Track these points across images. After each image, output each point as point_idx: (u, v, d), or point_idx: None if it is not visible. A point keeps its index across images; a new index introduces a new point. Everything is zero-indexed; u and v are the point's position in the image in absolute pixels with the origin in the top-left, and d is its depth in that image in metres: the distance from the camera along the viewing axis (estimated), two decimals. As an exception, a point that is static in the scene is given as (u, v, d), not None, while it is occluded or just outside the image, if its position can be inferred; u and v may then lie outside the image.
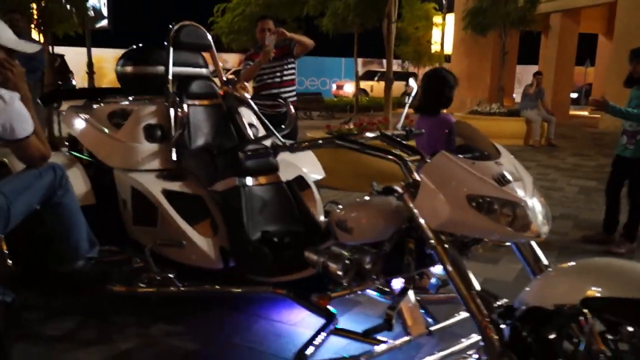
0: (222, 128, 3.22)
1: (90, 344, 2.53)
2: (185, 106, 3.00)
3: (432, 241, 1.85)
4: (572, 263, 1.70)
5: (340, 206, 2.30)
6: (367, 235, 2.15)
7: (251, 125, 3.35)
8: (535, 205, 1.80)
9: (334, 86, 23.60)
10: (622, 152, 4.06)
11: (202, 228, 2.74)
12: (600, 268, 1.60)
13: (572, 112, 17.64)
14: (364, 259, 2.06)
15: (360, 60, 20.49)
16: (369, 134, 2.28)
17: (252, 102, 2.35)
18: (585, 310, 1.54)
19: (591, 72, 22.85)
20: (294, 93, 4.81)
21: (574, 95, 21.26)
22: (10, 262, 2.95)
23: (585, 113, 16.60)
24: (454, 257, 1.84)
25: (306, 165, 3.32)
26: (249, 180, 2.78)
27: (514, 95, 20.05)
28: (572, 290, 1.57)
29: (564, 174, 7.34)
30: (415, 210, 1.89)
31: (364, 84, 21.08)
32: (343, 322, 2.40)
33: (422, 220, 1.88)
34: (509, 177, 1.82)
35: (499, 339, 1.69)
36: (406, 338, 2.18)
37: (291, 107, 3.26)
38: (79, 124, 3.22)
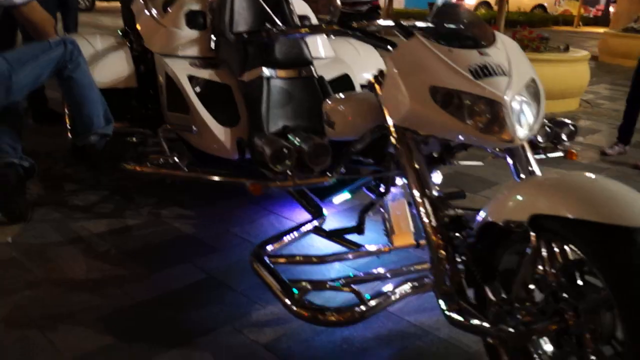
0: (267, 16, 3.10)
1: (102, 216, 2.68)
2: None
3: (393, 137, 1.67)
4: (538, 175, 1.45)
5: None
6: (345, 131, 2.00)
7: (304, 17, 3.20)
8: (516, 105, 1.54)
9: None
10: None
11: (223, 117, 2.72)
12: (562, 184, 1.35)
13: None
14: (304, 150, 1.89)
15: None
16: (381, 22, 2.04)
17: None
18: (531, 229, 1.33)
19: None
20: None
21: None
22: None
23: None
24: (416, 157, 1.65)
25: (364, 65, 3.14)
26: (275, 72, 2.69)
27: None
28: (523, 205, 1.36)
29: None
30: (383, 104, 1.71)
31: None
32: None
33: (387, 115, 1.69)
34: (492, 69, 1.56)
35: (446, 249, 1.52)
36: (386, 247, 2.06)
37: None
38: (139, 10, 3.27)
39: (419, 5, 19.67)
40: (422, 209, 1.59)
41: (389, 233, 2.06)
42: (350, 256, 2.09)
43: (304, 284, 1.75)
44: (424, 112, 1.56)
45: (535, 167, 1.71)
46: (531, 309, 1.38)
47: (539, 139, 2.10)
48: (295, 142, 1.95)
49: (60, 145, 3.37)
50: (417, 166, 1.63)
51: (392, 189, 2.08)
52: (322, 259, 2.06)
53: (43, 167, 3.08)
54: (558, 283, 1.33)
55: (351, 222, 2.24)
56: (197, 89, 2.75)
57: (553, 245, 1.33)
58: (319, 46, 3.07)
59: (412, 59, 1.62)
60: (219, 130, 2.66)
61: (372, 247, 2.09)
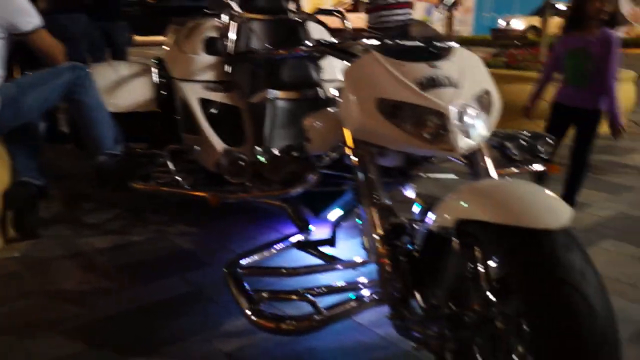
0: (283, 42, 3.20)
1: (109, 232, 2.79)
2: (244, 19, 3.02)
3: (348, 149, 1.69)
4: (474, 182, 1.42)
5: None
6: (319, 145, 2.02)
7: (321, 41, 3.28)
8: (462, 116, 1.53)
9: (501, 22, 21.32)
10: None
11: (230, 137, 2.81)
12: (487, 189, 1.33)
13: None
14: (261, 163, 1.91)
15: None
16: (366, 41, 2.06)
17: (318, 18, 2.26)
18: (456, 234, 1.32)
19: None
20: (408, 17, 4.50)
21: None
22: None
23: None
24: (369, 168, 1.65)
25: None
26: (279, 94, 2.76)
27: None
28: (452, 211, 1.33)
29: None
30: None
31: (535, 20, 19.07)
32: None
33: (344, 128, 1.71)
34: (440, 81, 1.56)
35: (387, 258, 1.51)
36: (361, 258, 2.05)
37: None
38: (169, 40, 3.44)
39: (485, 32, 19.68)
40: (368, 218, 1.59)
41: (364, 244, 2.05)
42: (323, 268, 2.08)
43: (263, 294, 1.77)
44: (372, 124, 1.57)
45: (493, 175, 1.69)
46: (466, 315, 1.35)
47: (513, 151, 2.05)
48: (257, 155, 1.99)
49: (83, 166, 3.55)
50: (369, 176, 1.64)
51: None
52: (294, 272, 2.07)
53: (64, 185, 3.26)
54: (483, 289, 1.29)
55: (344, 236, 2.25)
56: (209, 111, 2.86)
57: (476, 250, 1.30)
58: (336, 68, 3.11)
59: (363, 72, 1.65)
60: (223, 150, 2.74)
61: (352, 259, 2.08)
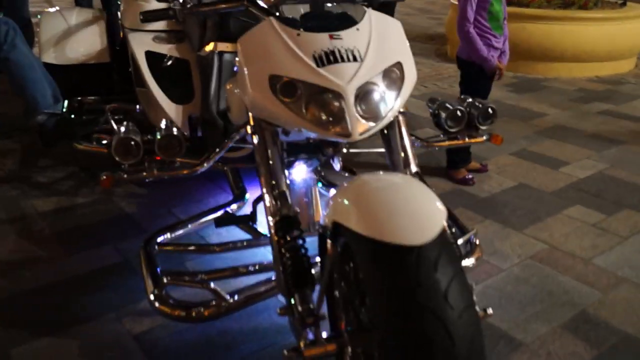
0: None
1: (56, 193, 2.72)
2: None
3: (249, 127, 1.56)
4: (357, 177, 1.29)
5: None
6: (235, 116, 1.90)
7: None
8: (362, 96, 1.37)
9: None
10: None
11: (178, 93, 2.68)
12: (361, 189, 1.17)
13: None
14: (155, 141, 1.77)
15: None
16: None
17: None
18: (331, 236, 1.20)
19: None
20: None
21: None
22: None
23: None
24: (270, 149, 1.52)
25: None
26: (230, 47, 2.59)
27: None
28: (331, 210, 1.21)
29: None
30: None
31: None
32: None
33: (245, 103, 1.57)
34: (339, 55, 1.39)
35: (276, 249, 1.40)
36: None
37: None
38: None
39: None
40: (266, 204, 1.48)
41: None
42: (244, 245, 1.99)
43: (166, 278, 1.68)
44: (264, 103, 1.43)
45: (412, 164, 1.55)
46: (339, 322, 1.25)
47: (448, 123, 1.89)
48: (151, 135, 1.84)
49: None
50: (267, 160, 1.50)
51: (303, 175, 1.95)
52: (210, 249, 1.99)
53: (25, 140, 3.20)
54: (352, 297, 1.18)
55: None
56: (158, 64, 2.71)
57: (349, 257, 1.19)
58: None
59: (257, 43, 1.49)
60: (170, 107, 2.61)
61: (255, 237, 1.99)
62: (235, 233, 2.17)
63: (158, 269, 1.73)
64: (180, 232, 2.01)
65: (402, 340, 1.01)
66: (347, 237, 1.13)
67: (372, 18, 1.52)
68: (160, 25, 2.89)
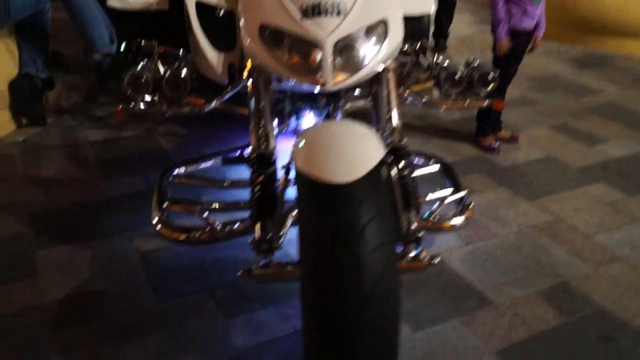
0: None
1: (106, 127, 3.00)
2: None
3: (245, 71, 1.70)
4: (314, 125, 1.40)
5: None
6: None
7: None
8: (342, 49, 1.48)
9: None
10: None
11: (221, 42, 2.84)
12: (311, 134, 1.30)
13: None
14: (164, 78, 1.92)
15: None
16: None
17: None
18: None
19: None
20: None
21: None
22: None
23: None
24: (261, 94, 1.65)
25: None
26: None
27: None
28: (291, 152, 1.34)
29: None
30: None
31: None
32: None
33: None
34: (324, 9, 1.50)
35: (250, 183, 1.55)
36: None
37: None
38: None
39: None
40: (251, 142, 1.62)
41: None
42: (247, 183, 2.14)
43: (167, 204, 1.87)
44: (255, 50, 1.57)
45: (394, 117, 1.63)
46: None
47: (446, 85, 1.94)
48: (163, 69, 2.01)
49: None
50: (258, 103, 1.64)
51: (313, 118, 2.07)
52: (218, 184, 2.17)
53: (87, 81, 3.51)
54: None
55: None
56: (205, 14, 2.88)
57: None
58: None
59: None
60: (212, 54, 2.77)
61: None
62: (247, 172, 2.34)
63: (168, 197, 1.93)
64: (197, 166, 2.20)
65: (316, 268, 1.15)
66: (296, 175, 1.27)
67: None
68: None
